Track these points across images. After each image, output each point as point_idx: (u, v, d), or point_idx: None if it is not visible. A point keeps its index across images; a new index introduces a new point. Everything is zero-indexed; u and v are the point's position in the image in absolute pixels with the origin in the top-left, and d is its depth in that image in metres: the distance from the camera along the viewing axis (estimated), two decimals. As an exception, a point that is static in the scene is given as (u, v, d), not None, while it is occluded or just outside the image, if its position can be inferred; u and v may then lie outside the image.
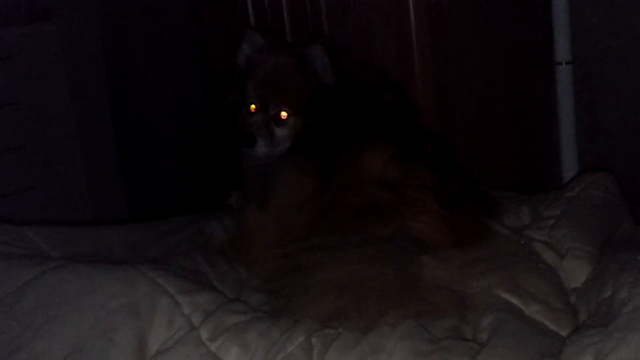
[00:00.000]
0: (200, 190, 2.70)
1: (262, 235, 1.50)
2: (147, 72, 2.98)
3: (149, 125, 3.02)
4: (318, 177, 1.49)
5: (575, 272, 1.36)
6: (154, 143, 3.01)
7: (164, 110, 2.94)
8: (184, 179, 2.88)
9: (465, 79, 1.98)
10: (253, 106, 1.59)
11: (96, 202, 3.34)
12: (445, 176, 1.50)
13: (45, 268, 1.33)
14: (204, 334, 1.19)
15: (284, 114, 1.57)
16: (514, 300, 1.26)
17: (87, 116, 3.28)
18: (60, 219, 3.12)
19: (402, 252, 1.29)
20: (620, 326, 1.06)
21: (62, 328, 1.21)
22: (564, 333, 1.20)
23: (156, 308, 1.23)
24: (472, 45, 1.98)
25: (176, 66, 2.82)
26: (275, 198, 1.51)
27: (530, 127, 2.08)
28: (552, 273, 1.36)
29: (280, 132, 1.58)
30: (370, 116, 1.59)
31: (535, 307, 1.24)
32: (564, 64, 2.05)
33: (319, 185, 1.49)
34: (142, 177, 3.12)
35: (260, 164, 1.60)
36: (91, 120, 3.28)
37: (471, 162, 1.91)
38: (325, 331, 1.18)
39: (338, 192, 1.46)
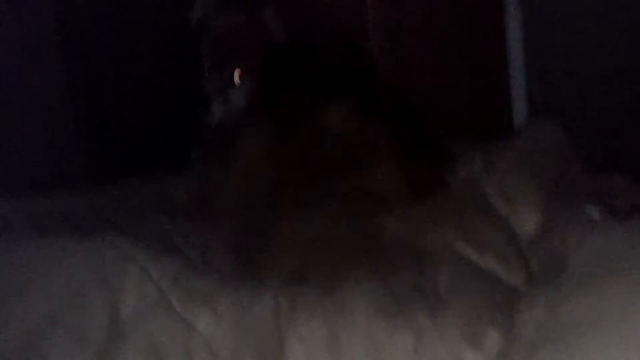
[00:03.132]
0: (161, 146, 2.69)
1: (226, 194, 1.52)
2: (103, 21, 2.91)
3: (105, 77, 2.96)
4: (277, 135, 1.51)
5: (526, 221, 1.42)
6: (110, 96, 2.96)
7: (122, 61, 2.88)
8: (143, 133, 2.85)
9: (418, 22, 1.97)
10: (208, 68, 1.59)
11: (51, 157, 3.30)
12: (401, 127, 1.53)
13: (13, 239, 1.35)
14: (174, 300, 1.23)
15: (238, 75, 1.58)
16: (469, 251, 1.32)
17: (41, 69, 3.21)
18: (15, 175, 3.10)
19: (362, 210, 1.33)
20: (570, 280, 1.08)
21: (33, 299, 1.23)
22: (517, 283, 1.27)
23: (125, 276, 1.25)
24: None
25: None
26: (236, 156, 1.53)
27: (482, 70, 2.11)
28: (504, 222, 1.42)
29: (235, 94, 1.58)
30: (323, 71, 1.60)
31: (490, 258, 1.31)
32: (513, 4, 2.08)
33: (278, 142, 1.50)
34: (99, 132, 3.08)
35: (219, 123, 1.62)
36: (45, 73, 3.21)
37: (426, 108, 1.95)
38: (291, 290, 1.23)
39: (298, 148, 1.48)
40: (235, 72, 1.58)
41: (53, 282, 1.25)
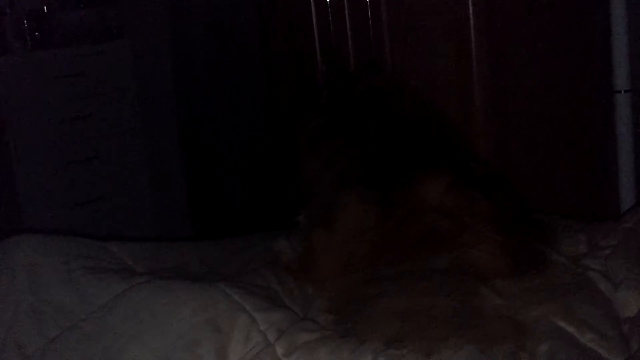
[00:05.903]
0: (266, 207, 2.80)
1: (328, 258, 1.59)
2: (215, 87, 3.11)
3: (215, 139, 3.14)
4: (379, 206, 1.57)
5: (629, 302, 1.41)
6: (220, 157, 3.12)
7: (231, 125, 3.05)
8: (249, 194, 2.98)
9: (524, 105, 2.05)
10: None
11: (161, 213, 3.50)
12: (502, 204, 1.56)
13: (132, 283, 1.45)
14: (279, 350, 1.29)
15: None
16: (570, 328, 1.32)
17: (156, 129, 3.45)
18: (126, 230, 3.30)
19: (463, 284, 1.36)
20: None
21: (150, 340, 1.33)
22: None
23: (235, 324, 1.34)
24: (531, 72, 2.05)
25: (242, 82, 2.94)
26: (340, 224, 1.59)
27: (588, 154, 2.13)
28: (606, 302, 1.42)
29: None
30: (421, 145, 1.68)
31: (590, 336, 1.31)
32: (623, 92, 2.10)
33: (380, 214, 1.56)
34: (208, 190, 3.24)
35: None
36: (159, 134, 3.45)
37: (529, 188, 1.98)
38: (390, 352, 1.26)
39: (399, 221, 1.53)
40: None
41: (169, 327, 1.35)
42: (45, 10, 3.35)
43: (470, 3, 1.94)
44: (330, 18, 2.25)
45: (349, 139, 1.77)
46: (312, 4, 2.30)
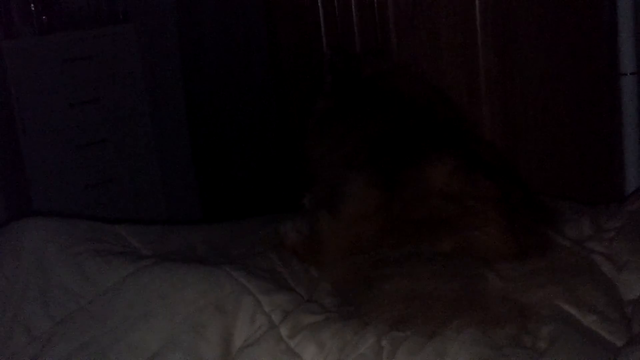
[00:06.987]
0: (273, 189, 2.81)
1: (333, 241, 1.59)
2: (221, 70, 3.12)
3: (222, 122, 3.15)
4: (384, 190, 1.58)
5: (632, 285, 1.42)
6: (227, 140, 3.13)
7: (237, 108, 3.06)
8: (258, 176, 2.99)
9: (530, 89, 2.05)
10: None
11: (170, 195, 3.52)
12: (506, 186, 1.57)
13: (139, 265, 1.46)
14: (284, 332, 1.31)
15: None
16: (573, 311, 1.33)
17: (164, 113, 3.46)
18: (136, 212, 3.32)
19: (467, 268, 1.37)
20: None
21: (156, 322, 1.35)
22: (619, 343, 1.27)
23: (240, 306, 1.35)
24: (536, 55, 2.05)
25: (249, 65, 2.94)
26: (345, 207, 1.60)
27: (593, 137, 2.13)
28: (609, 285, 1.42)
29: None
30: (426, 129, 1.68)
31: (593, 318, 1.32)
32: (628, 74, 2.09)
33: (385, 197, 1.57)
34: (215, 172, 3.26)
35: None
36: (167, 117, 3.46)
37: (534, 171, 1.99)
38: (394, 334, 1.28)
39: (404, 205, 1.54)
40: None
41: (174, 306, 1.37)
42: (52, -6, 3.36)
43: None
44: (336, 4, 2.24)
45: (355, 122, 1.78)
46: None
